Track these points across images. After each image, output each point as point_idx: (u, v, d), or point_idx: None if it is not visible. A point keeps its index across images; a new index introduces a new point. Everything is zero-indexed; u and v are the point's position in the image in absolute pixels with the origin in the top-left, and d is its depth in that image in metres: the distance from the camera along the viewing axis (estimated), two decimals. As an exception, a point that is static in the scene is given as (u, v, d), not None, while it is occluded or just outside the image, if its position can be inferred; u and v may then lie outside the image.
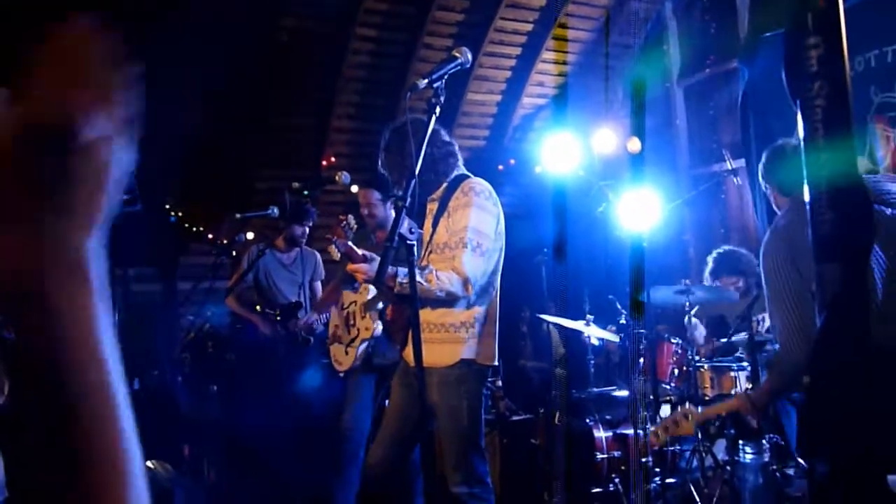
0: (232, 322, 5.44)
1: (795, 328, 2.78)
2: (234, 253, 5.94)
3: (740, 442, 3.58)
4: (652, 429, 2.96)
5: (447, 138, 3.22)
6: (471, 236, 2.95)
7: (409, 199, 2.41)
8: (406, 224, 2.38)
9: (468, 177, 3.16)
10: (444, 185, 3.16)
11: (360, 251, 3.14)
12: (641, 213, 5.14)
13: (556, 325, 5.06)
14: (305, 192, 5.58)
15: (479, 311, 3.06)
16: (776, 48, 5.55)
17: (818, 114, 0.90)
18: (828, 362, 0.95)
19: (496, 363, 3.15)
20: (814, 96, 0.90)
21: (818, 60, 0.89)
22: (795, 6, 0.92)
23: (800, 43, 0.90)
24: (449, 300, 2.98)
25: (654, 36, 7.19)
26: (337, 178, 4.48)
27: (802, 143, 0.92)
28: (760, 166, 3.18)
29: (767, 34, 5.62)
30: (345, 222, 3.84)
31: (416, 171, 2.46)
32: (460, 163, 3.25)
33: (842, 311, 0.89)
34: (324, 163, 7.20)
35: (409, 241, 2.38)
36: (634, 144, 5.97)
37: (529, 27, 7.07)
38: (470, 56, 2.65)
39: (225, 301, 5.11)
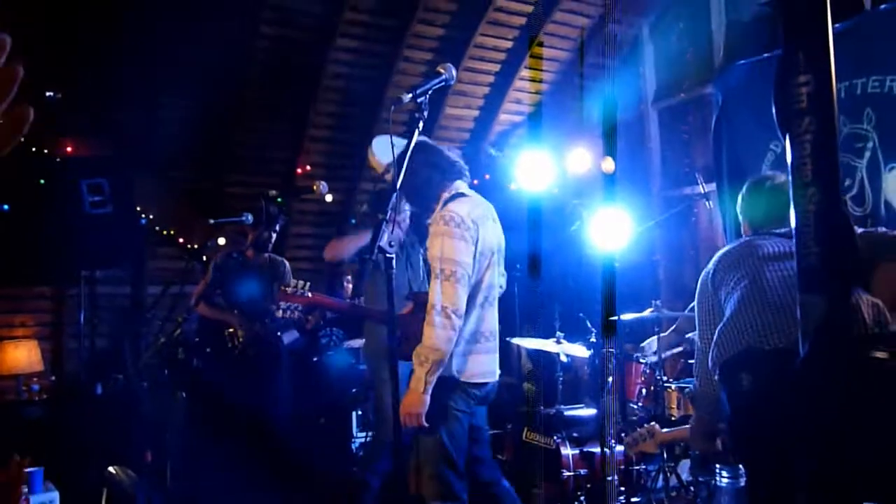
0: (200, 328, 5.37)
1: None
2: (204, 258, 5.89)
3: (717, 466, 3.64)
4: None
5: (434, 157, 3.17)
6: (442, 266, 2.94)
7: (389, 213, 2.43)
8: (386, 237, 2.39)
9: (450, 201, 3.12)
10: (435, 209, 3.15)
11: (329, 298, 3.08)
12: (613, 232, 5.21)
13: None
14: (279, 199, 5.56)
15: (463, 327, 3.02)
16: (750, 75, 5.66)
17: (807, 149, 0.93)
18: (812, 390, 0.98)
19: (485, 380, 3.08)
20: (803, 132, 0.93)
21: (808, 97, 0.92)
22: (787, 43, 0.95)
23: (790, 80, 0.93)
24: (447, 335, 2.90)
25: (631, 58, 7.29)
26: (315, 187, 4.47)
27: (790, 176, 0.95)
28: (740, 196, 3.16)
29: (742, 61, 5.73)
30: (295, 289, 3.66)
31: (398, 185, 2.48)
32: (455, 183, 3.18)
33: (825, 340, 0.92)
34: (299, 171, 7.18)
35: (388, 255, 2.39)
36: (608, 164, 6.04)
37: (509, 44, 7.14)
38: (454, 72, 2.68)
39: (196, 308, 5.05)
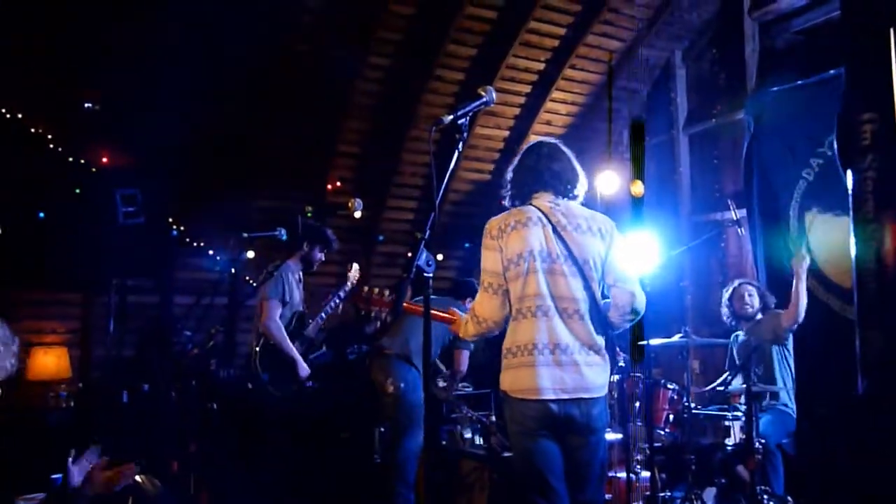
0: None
1: None
2: (233, 271, 5.90)
3: (765, 496, 3.60)
4: None
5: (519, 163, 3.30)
6: (482, 278, 3.03)
7: (428, 233, 2.44)
8: (424, 256, 2.40)
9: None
10: None
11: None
12: (641, 257, 5.19)
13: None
14: (309, 214, 5.56)
15: (506, 338, 3.00)
16: (783, 103, 5.64)
17: (869, 185, 0.94)
18: (870, 422, 0.97)
19: (527, 396, 2.88)
20: (865, 168, 0.94)
21: (872, 135, 0.93)
22: (850, 80, 0.96)
23: (855, 117, 0.94)
24: (472, 330, 3.08)
25: (662, 83, 7.30)
26: (350, 204, 4.51)
27: (852, 211, 0.95)
28: None
29: (775, 89, 5.72)
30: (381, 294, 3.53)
31: (437, 205, 2.50)
32: (537, 193, 3.16)
33: (885, 376, 0.92)
34: (329, 187, 7.23)
35: (426, 274, 2.41)
36: (638, 188, 6.03)
37: (541, 66, 7.16)
38: (494, 95, 2.69)
39: (270, 328, 4.73)
